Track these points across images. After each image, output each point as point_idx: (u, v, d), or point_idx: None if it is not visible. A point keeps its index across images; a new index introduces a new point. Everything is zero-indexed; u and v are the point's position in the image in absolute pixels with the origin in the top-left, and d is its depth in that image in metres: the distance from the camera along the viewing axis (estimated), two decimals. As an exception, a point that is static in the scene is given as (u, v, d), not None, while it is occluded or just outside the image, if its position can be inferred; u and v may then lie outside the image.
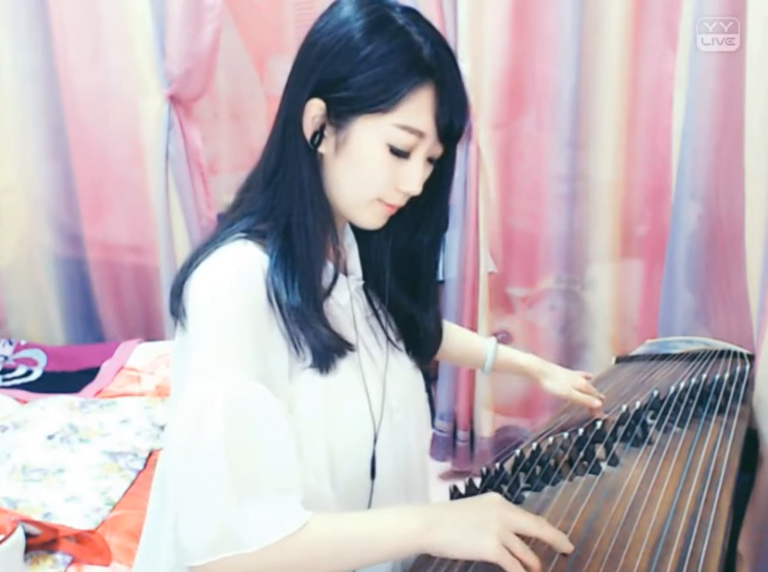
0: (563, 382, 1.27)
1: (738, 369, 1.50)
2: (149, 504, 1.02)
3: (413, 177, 0.87)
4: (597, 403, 1.27)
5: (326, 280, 0.91)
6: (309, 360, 0.86)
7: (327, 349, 0.87)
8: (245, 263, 0.84)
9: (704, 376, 1.39)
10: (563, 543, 0.80)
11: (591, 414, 1.28)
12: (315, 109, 0.86)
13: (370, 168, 0.86)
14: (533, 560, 0.76)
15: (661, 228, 2.14)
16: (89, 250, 2.66)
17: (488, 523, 0.76)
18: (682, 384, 1.37)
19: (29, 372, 2.37)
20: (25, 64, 2.46)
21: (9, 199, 2.57)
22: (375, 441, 0.93)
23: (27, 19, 2.43)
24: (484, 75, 2.21)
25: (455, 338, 1.27)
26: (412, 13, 0.87)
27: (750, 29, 1.61)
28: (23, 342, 2.53)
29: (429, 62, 0.84)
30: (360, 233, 0.99)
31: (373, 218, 0.91)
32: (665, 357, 1.73)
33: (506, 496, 1.00)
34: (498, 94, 2.22)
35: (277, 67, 2.93)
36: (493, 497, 0.81)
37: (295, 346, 0.85)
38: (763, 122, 1.59)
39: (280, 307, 0.84)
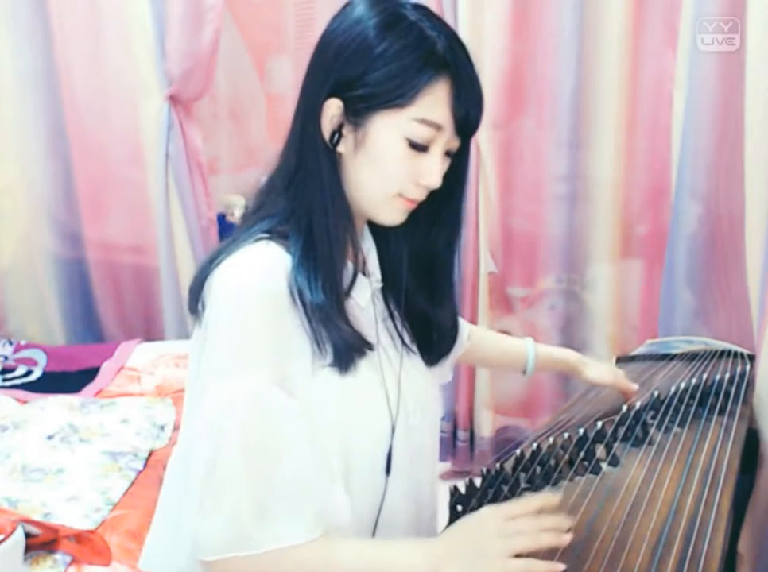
0: (605, 370, 1.34)
1: (738, 369, 1.50)
2: (162, 492, 1.03)
3: (433, 170, 0.88)
4: (635, 386, 1.35)
5: (346, 279, 0.91)
6: (330, 358, 0.87)
7: (349, 348, 0.87)
8: (268, 262, 0.85)
9: (704, 376, 1.39)
10: (561, 541, 0.82)
11: (627, 398, 1.34)
12: (333, 108, 0.87)
13: (390, 163, 0.87)
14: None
15: (661, 228, 2.14)
16: (89, 250, 2.66)
17: (487, 552, 0.79)
18: (682, 385, 1.37)
19: (29, 373, 2.37)
20: (25, 65, 2.46)
21: (9, 199, 2.58)
22: (392, 435, 0.94)
23: (27, 20, 2.44)
24: (484, 76, 2.17)
25: (490, 342, 1.30)
26: (423, 10, 0.88)
27: (750, 29, 1.61)
28: (23, 342, 2.53)
29: (443, 55, 0.85)
30: (378, 235, 0.99)
31: (393, 214, 0.92)
32: (665, 357, 1.72)
33: (506, 497, 1.00)
34: (498, 94, 2.22)
35: (277, 67, 2.93)
36: (484, 520, 0.82)
37: (318, 344, 0.86)
38: (763, 122, 1.59)
39: (304, 305, 0.85)
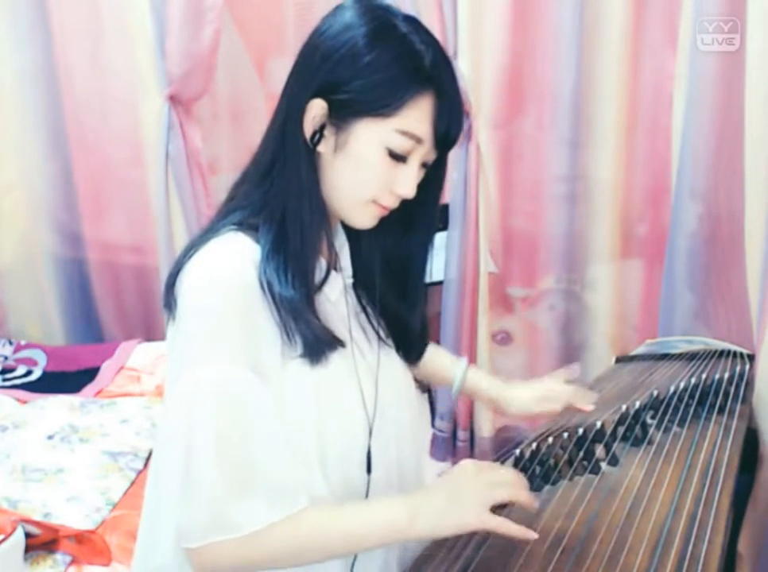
0: (525, 400, 1.22)
1: (737, 368, 1.50)
2: (146, 485, 1.03)
3: (408, 181, 0.90)
4: (557, 408, 1.21)
5: (318, 275, 0.92)
6: (299, 350, 0.88)
7: (319, 341, 0.88)
8: (237, 253, 0.86)
9: (704, 376, 1.39)
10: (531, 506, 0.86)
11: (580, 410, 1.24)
12: (316, 108, 0.87)
13: (368, 170, 0.88)
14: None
15: (661, 228, 2.14)
16: (89, 250, 2.66)
17: (463, 498, 0.82)
18: (682, 384, 1.37)
19: (29, 373, 2.36)
20: (25, 65, 2.46)
21: (9, 199, 2.57)
22: (370, 434, 0.94)
23: (27, 19, 2.43)
24: (484, 75, 2.20)
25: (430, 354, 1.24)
26: (413, 22, 0.89)
27: (750, 29, 1.61)
28: (23, 342, 2.53)
29: (430, 71, 0.86)
30: (351, 233, 1.01)
31: (365, 219, 0.93)
32: (664, 356, 1.72)
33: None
34: (498, 94, 2.22)
35: (277, 68, 2.92)
36: (465, 469, 0.86)
37: (287, 335, 0.87)
38: (763, 122, 1.59)
39: (272, 296, 0.85)
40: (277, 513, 0.83)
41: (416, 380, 1.10)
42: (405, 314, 1.02)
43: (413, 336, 1.04)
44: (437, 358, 1.26)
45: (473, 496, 0.81)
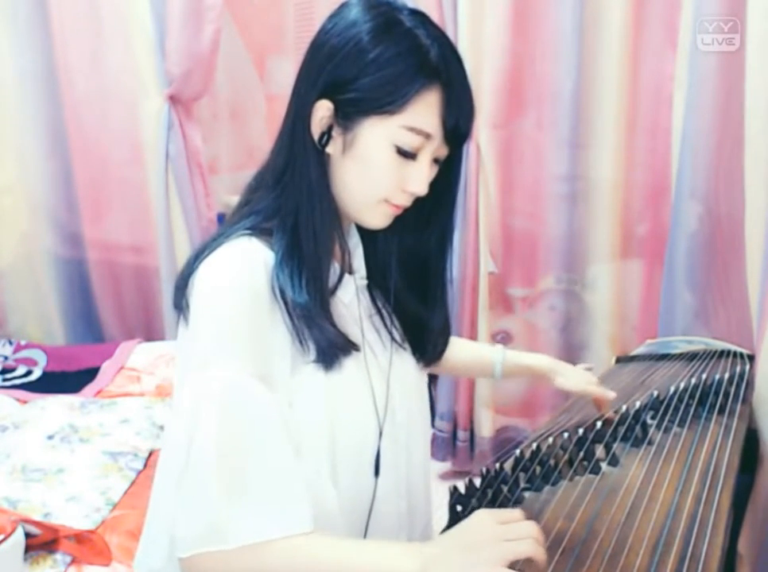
0: (577, 379, 1.27)
1: (738, 369, 1.49)
2: (152, 493, 1.02)
3: (419, 178, 0.88)
4: (612, 394, 1.27)
5: (332, 279, 0.91)
6: (313, 355, 0.87)
7: (332, 347, 0.87)
8: (248, 257, 0.85)
9: (704, 376, 1.39)
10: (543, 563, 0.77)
11: (600, 409, 1.28)
12: (323, 109, 0.87)
13: (377, 168, 0.87)
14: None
15: (661, 228, 2.14)
16: (89, 250, 2.66)
17: (480, 555, 0.74)
18: (682, 384, 1.37)
19: (29, 373, 2.37)
20: (25, 65, 2.47)
21: (9, 199, 2.58)
22: (380, 437, 0.94)
23: (27, 19, 2.44)
24: (484, 75, 2.21)
25: (460, 348, 1.25)
26: (419, 16, 0.88)
27: (750, 29, 1.61)
28: (23, 342, 2.53)
29: (437, 64, 0.85)
30: (366, 233, 1.00)
31: (378, 218, 0.92)
32: (664, 357, 1.72)
33: (505, 497, 1.00)
34: (498, 94, 2.22)
35: (277, 67, 2.93)
36: (482, 521, 0.78)
37: (300, 341, 0.86)
38: (763, 122, 1.59)
39: (285, 303, 0.85)
40: (274, 531, 0.79)
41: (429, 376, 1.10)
42: (425, 314, 1.01)
43: (432, 336, 1.03)
44: (467, 348, 1.27)
45: (490, 553, 0.74)
